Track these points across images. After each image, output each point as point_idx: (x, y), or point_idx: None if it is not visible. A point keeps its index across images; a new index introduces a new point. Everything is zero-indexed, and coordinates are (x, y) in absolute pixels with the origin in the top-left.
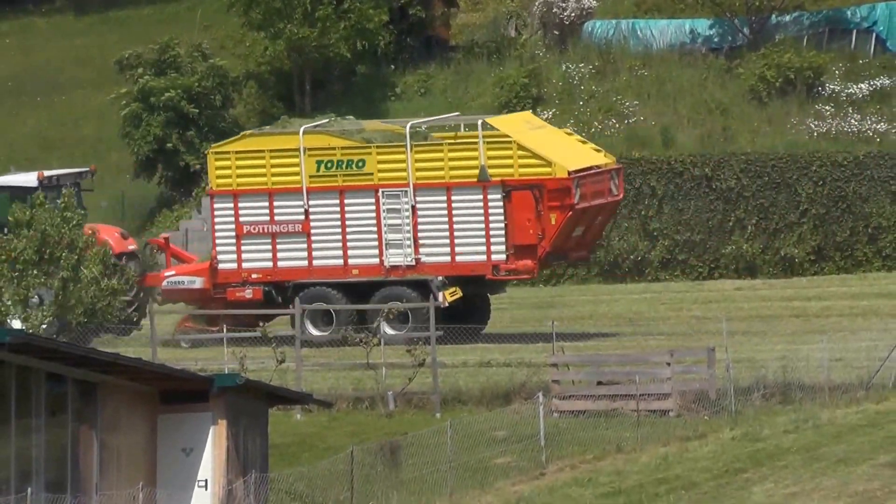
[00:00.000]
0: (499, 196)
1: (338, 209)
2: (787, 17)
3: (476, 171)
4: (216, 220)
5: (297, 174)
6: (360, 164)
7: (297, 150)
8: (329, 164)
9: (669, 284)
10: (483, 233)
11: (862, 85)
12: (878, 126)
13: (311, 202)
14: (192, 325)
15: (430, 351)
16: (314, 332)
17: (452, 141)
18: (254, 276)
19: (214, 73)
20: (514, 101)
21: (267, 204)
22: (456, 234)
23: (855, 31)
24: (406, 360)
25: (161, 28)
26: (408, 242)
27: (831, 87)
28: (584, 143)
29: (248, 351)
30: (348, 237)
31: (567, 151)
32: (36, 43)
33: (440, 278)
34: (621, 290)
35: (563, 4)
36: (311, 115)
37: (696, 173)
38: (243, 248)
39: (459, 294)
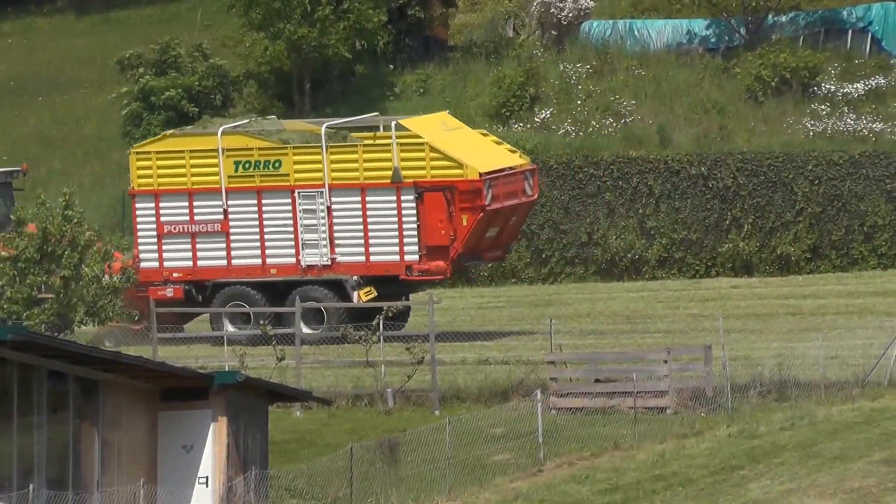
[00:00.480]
0: (412, 197)
1: (256, 209)
2: (784, 18)
3: (390, 173)
4: (138, 219)
5: (216, 174)
6: (277, 164)
7: (216, 150)
8: (247, 165)
9: (666, 282)
10: (396, 233)
11: (857, 84)
12: (874, 125)
13: (229, 202)
14: (115, 325)
15: (428, 349)
16: (231, 329)
17: (366, 142)
18: (175, 275)
19: (214, 73)
20: (511, 100)
21: (187, 204)
22: (370, 234)
23: (850, 31)
24: (405, 357)
25: (162, 28)
26: (323, 242)
27: (827, 86)
28: (499, 143)
29: (247, 349)
30: (266, 237)
31: (480, 153)
32: (38, 43)
33: (355, 278)
34: (618, 288)
35: (561, 5)
36: (309, 114)
37: (692, 172)
38: (164, 247)
39: (374, 294)
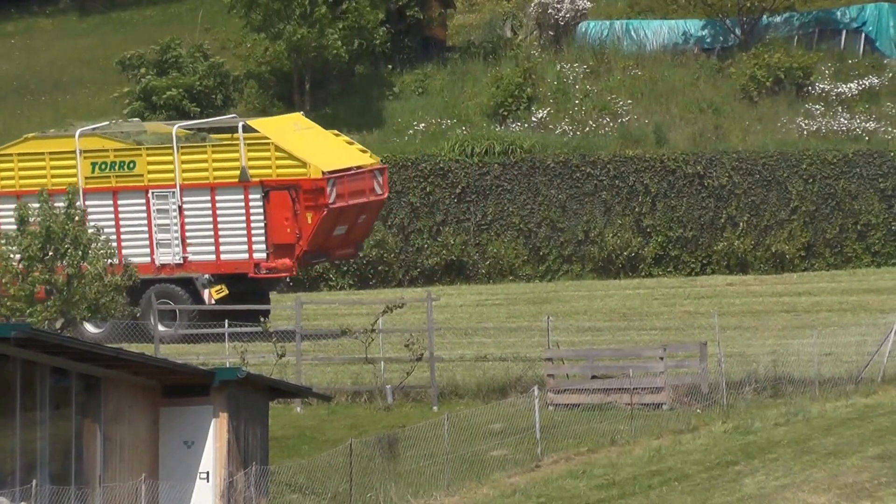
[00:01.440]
0: (259, 196)
1: (112, 209)
2: (778, 18)
3: (238, 172)
4: (2, 220)
5: (74, 176)
6: (132, 165)
7: (74, 152)
8: (103, 166)
9: (662, 280)
10: (245, 232)
11: (851, 84)
12: (867, 125)
13: (87, 202)
14: None
15: (427, 346)
16: (91, 329)
17: (215, 143)
18: (35, 273)
19: (215, 73)
20: (509, 100)
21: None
22: (220, 233)
23: (844, 32)
24: (404, 354)
25: (163, 29)
26: (176, 241)
27: (821, 86)
28: (350, 143)
29: (248, 345)
30: (122, 236)
31: (327, 152)
32: (40, 43)
33: (206, 276)
34: (615, 285)
35: (558, 6)
36: (309, 114)
37: (688, 171)
38: None
39: (225, 292)
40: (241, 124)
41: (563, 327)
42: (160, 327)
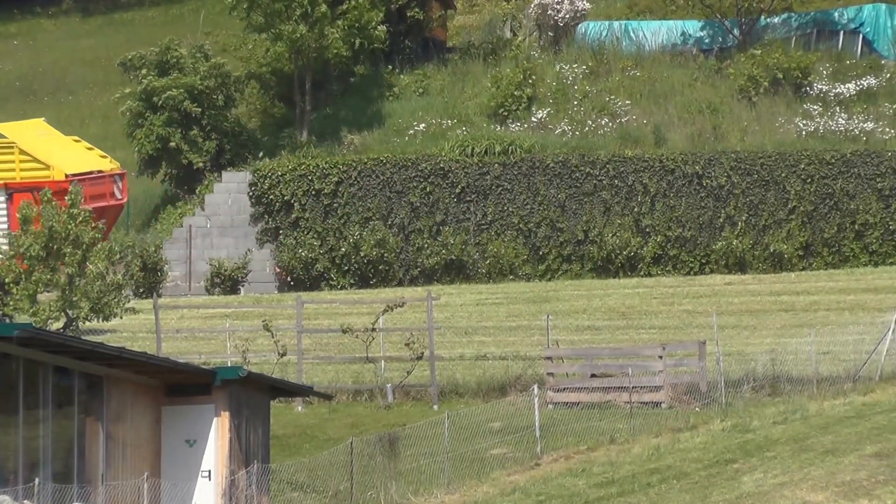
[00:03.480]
0: (3, 198)
1: None
2: (776, 19)
3: None
4: None
5: None
6: None
7: None
8: None
9: (661, 279)
10: None
11: (849, 84)
12: (865, 125)
13: None
14: None
15: (427, 345)
16: None
17: None
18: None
19: (216, 73)
20: (509, 100)
21: None
22: None
23: (842, 33)
24: (404, 353)
25: (165, 30)
26: None
27: (819, 86)
28: (90, 149)
29: (249, 344)
30: None
31: (69, 156)
32: (43, 44)
33: None
34: (614, 284)
35: (558, 6)
36: (310, 114)
37: (687, 171)
38: None
39: None
40: None
41: (562, 326)
42: None
